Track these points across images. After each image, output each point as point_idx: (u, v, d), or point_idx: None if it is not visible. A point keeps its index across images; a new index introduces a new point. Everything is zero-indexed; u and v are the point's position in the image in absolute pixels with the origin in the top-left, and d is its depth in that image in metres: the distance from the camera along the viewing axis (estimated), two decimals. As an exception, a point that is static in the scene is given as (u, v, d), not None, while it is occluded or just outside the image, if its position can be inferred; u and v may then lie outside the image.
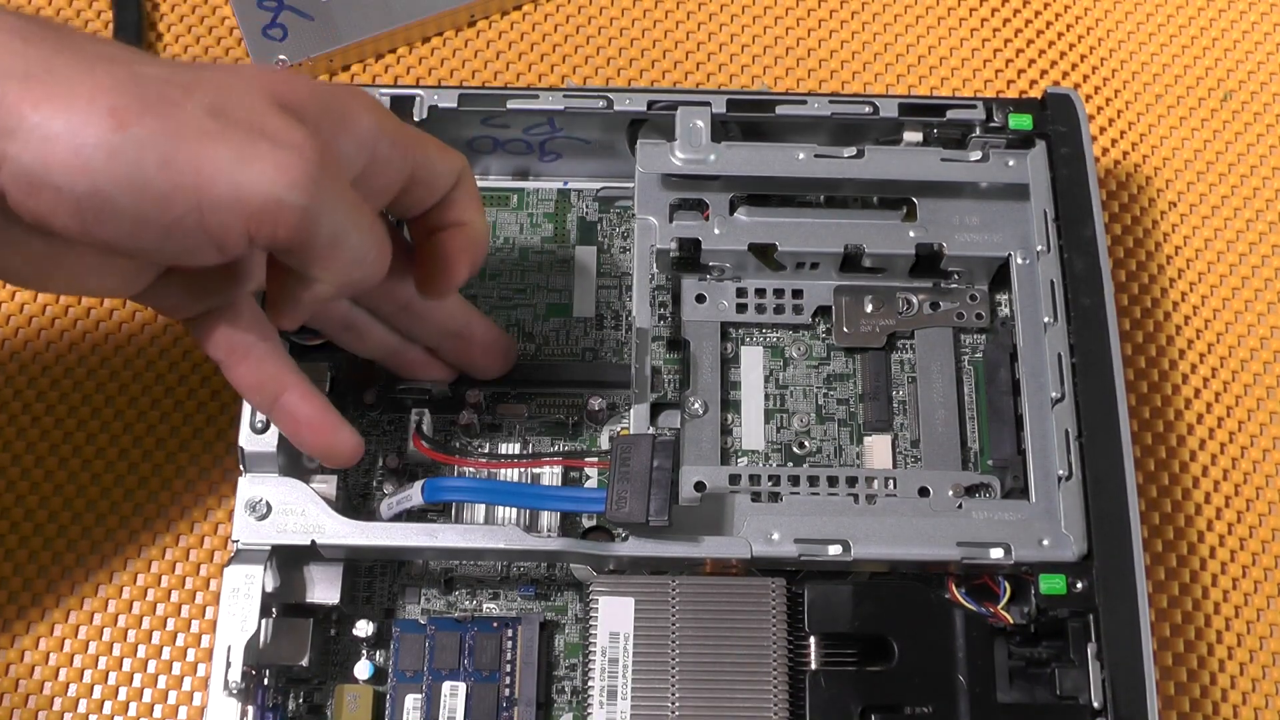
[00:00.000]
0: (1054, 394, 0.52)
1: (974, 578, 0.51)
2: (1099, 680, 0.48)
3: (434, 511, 0.54)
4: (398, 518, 0.51)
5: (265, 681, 0.49)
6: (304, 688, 0.51)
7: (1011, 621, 0.50)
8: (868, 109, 0.56)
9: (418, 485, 0.50)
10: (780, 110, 0.56)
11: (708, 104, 0.55)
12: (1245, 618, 0.56)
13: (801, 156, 0.55)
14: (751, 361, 0.57)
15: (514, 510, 0.53)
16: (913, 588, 0.50)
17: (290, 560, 0.50)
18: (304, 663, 0.49)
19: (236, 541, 0.48)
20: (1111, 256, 0.61)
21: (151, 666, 0.54)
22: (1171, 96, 0.66)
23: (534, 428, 0.56)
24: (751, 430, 0.56)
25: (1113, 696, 0.47)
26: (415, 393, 0.54)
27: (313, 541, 0.48)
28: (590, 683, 0.49)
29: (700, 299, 0.56)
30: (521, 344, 0.57)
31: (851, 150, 0.55)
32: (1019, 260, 0.55)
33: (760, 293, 0.57)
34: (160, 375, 0.59)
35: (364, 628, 0.51)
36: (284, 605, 0.50)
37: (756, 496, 0.51)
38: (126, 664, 0.54)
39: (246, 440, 0.49)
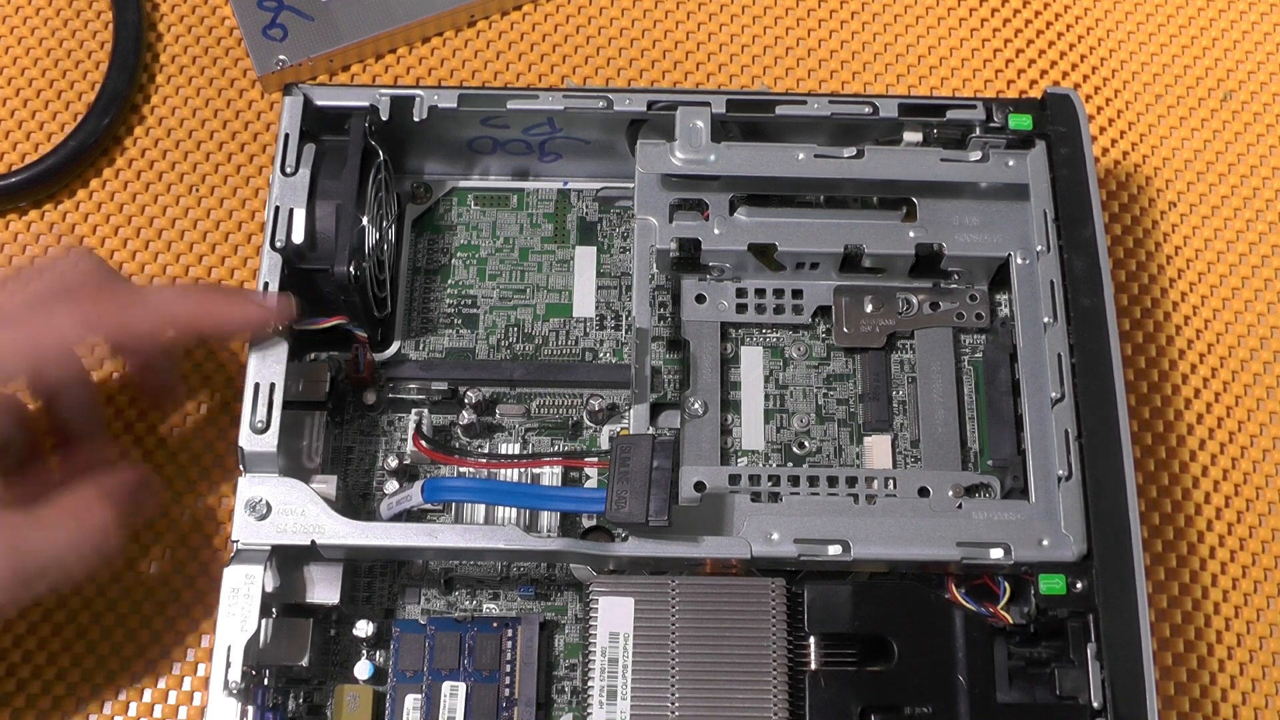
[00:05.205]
0: (1054, 394, 0.52)
1: (974, 578, 0.51)
2: (1099, 680, 0.48)
3: (434, 511, 0.54)
4: (398, 518, 0.51)
5: (265, 681, 0.49)
6: (304, 688, 0.51)
7: (1011, 621, 0.50)
8: (867, 109, 0.56)
9: (418, 485, 0.50)
10: (780, 110, 0.56)
11: (708, 104, 0.55)
12: (1245, 618, 0.56)
13: (801, 157, 0.55)
14: (751, 361, 0.57)
15: (514, 510, 0.53)
16: (912, 588, 0.50)
17: (290, 560, 0.50)
18: (304, 663, 0.49)
19: (236, 541, 0.48)
20: (1111, 256, 0.61)
21: (152, 666, 0.54)
22: (1171, 96, 0.66)
23: (534, 428, 0.56)
24: (751, 430, 0.56)
25: (1112, 696, 0.47)
26: (415, 393, 0.55)
27: (313, 542, 0.48)
28: (590, 683, 0.49)
29: (700, 299, 0.57)
30: (521, 344, 0.57)
31: (851, 150, 0.55)
32: (1019, 260, 0.55)
33: (760, 293, 0.57)
34: (160, 375, 0.58)
35: (364, 628, 0.51)
36: (284, 605, 0.50)
37: (756, 496, 0.51)
38: (127, 664, 0.54)
39: (246, 440, 0.49)
